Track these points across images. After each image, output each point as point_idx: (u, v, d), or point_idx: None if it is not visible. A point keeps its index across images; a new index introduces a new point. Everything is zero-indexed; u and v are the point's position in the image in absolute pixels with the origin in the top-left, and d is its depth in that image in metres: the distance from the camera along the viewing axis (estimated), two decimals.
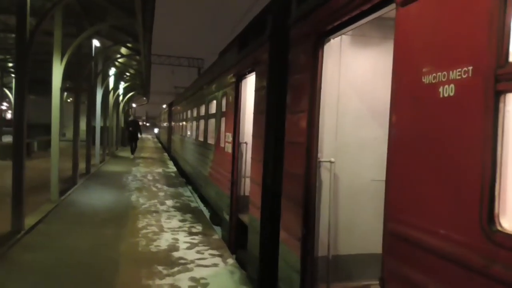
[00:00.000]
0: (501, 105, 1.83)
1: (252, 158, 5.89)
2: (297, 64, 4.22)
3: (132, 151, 24.75)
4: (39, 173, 13.64)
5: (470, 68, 1.97)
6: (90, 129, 15.67)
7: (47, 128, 13.25)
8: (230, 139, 7.30)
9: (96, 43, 14.45)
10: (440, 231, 2.11)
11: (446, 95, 2.11)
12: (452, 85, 2.07)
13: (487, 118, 1.86)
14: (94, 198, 11.08)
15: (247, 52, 6.34)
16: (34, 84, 24.55)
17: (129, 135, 24.95)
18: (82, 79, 13.35)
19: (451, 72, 2.08)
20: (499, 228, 1.80)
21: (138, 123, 26.20)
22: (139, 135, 25.32)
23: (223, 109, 8.36)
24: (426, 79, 2.25)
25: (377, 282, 2.69)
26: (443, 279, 2.07)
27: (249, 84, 6.86)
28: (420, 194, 2.30)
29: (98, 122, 19.07)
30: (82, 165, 14.29)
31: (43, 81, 22.12)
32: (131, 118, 27.17)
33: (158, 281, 5.38)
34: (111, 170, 17.50)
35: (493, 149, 1.83)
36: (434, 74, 2.19)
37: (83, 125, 14.94)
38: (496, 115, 1.83)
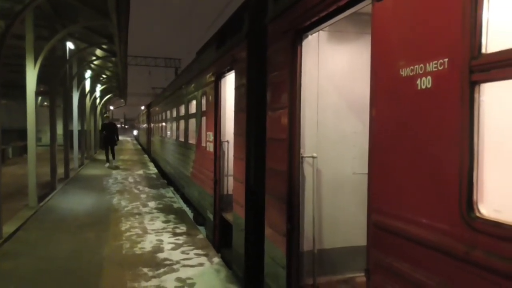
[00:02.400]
0: (476, 95, 1.88)
1: (234, 156, 5.89)
2: (276, 61, 4.24)
3: (108, 159, 20.09)
4: (15, 179, 13.33)
5: (446, 60, 2.02)
6: (67, 133, 15.36)
7: (21, 133, 12.98)
8: (212, 138, 7.28)
9: (70, 45, 14.16)
10: (422, 220, 2.17)
11: (423, 87, 2.16)
12: (429, 77, 2.12)
13: (463, 109, 1.91)
14: (75, 202, 10.88)
15: (226, 50, 6.33)
16: (6, 88, 23.98)
17: (104, 139, 20.42)
18: (57, 83, 13.07)
19: (427, 65, 2.13)
20: (478, 214, 1.85)
21: (115, 126, 21.57)
22: (116, 140, 20.54)
23: (203, 108, 8.32)
24: (404, 72, 2.30)
25: (362, 274, 2.74)
26: (427, 268, 2.12)
27: (229, 82, 6.85)
28: (402, 185, 2.35)
29: (76, 125, 18.73)
30: (60, 170, 14.02)
31: (14, 85, 21.60)
32: (105, 120, 22.04)
33: (144, 283, 5.34)
34: (90, 174, 17.22)
35: (470, 138, 1.89)
36: (412, 67, 2.24)
37: (60, 129, 14.66)
38: (471, 105, 1.89)
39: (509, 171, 1.92)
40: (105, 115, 27.07)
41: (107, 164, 19.96)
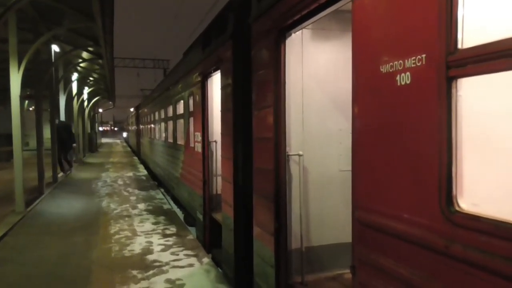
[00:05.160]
0: (453, 90, 1.90)
1: (222, 156, 5.88)
2: (261, 60, 4.24)
3: (62, 168, 16.68)
4: (3, 184, 13.16)
5: (424, 56, 2.03)
6: (55, 136, 15.20)
7: (8, 138, 12.79)
8: (200, 138, 7.26)
9: (55, 48, 14.02)
10: (404, 215, 2.18)
11: (403, 83, 2.17)
12: (408, 73, 2.14)
13: (441, 104, 1.93)
14: (63, 206, 10.77)
15: (211, 50, 6.31)
16: None
17: (58, 144, 15.39)
18: (42, 86, 12.92)
19: (406, 61, 2.14)
20: (457, 208, 1.87)
21: (69, 128, 17.65)
22: (72, 144, 17.18)
23: (191, 108, 8.30)
24: (384, 69, 2.31)
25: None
26: (409, 262, 2.14)
27: (215, 82, 6.83)
28: (384, 181, 2.36)
29: None
30: (48, 174, 13.87)
31: (0, 90, 21.29)
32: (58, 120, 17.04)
33: (133, 286, 5.30)
34: (79, 177, 17.05)
35: (448, 133, 1.91)
36: (391, 63, 2.25)
37: (47, 133, 14.50)
38: (449, 101, 1.91)
39: (487, 164, 1.94)
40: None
41: (65, 174, 16.53)
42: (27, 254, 6.74)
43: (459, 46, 1.87)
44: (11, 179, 11.19)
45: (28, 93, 23.68)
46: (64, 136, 16.38)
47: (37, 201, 11.15)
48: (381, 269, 2.39)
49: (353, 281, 2.69)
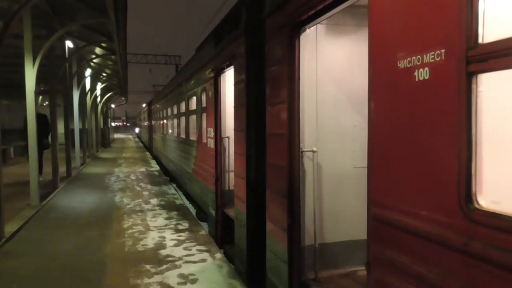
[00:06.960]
0: (473, 86, 1.86)
1: (235, 152, 5.89)
2: (275, 56, 4.22)
3: (41, 170, 12.70)
4: (17, 179, 13.35)
5: (443, 51, 2.00)
6: (69, 131, 15.38)
7: (22, 133, 12.95)
8: (212, 134, 7.28)
9: (69, 44, 14.15)
10: (422, 212, 2.16)
11: (421, 78, 2.14)
12: (426, 69, 2.10)
13: (461, 100, 1.90)
14: (77, 201, 10.91)
15: (224, 46, 6.31)
16: (7, 88, 23.97)
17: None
18: (56, 82, 13.06)
19: (425, 56, 2.11)
20: (476, 206, 1.84)
21: (45, 118, 13.35)
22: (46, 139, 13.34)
23: (203, 104, 8.32)
24: (401, 64, 2.28)
25: (364, 267, 2.74)
26: (426, 260, 2.12)
27: (228, 78, 6.83)
28: (401, 178, 2.33)
29: (77, 124, 18.75)
30: (62, 169, 14.05)
31: (15, 85, 21.57)
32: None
33: (146, 280, 5.35)
34: (93, 172, 17.25)
35: (468, 130, 1.87)
36: (409, 59, 2.22)
37: (61, 128, 14.66)
38: (469, 96, 1.87)
39: (507, 162, 1.91)
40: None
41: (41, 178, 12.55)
42: (42, 247, 6.85)
43: (480, 40, 1.83)
44: (25, 174, 11.36)
45: (42, 88, 23.95)
46: (39, 131, 11.51)
47: (52, 195, 11.31)
48: (397, 267, 2.36)
49: (368, 278, 2.67)
